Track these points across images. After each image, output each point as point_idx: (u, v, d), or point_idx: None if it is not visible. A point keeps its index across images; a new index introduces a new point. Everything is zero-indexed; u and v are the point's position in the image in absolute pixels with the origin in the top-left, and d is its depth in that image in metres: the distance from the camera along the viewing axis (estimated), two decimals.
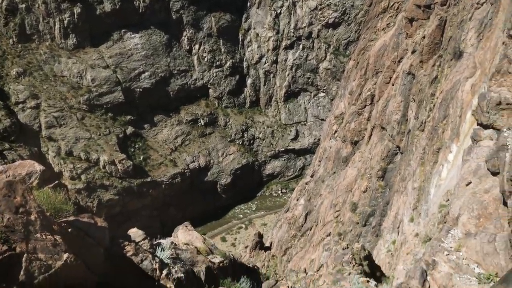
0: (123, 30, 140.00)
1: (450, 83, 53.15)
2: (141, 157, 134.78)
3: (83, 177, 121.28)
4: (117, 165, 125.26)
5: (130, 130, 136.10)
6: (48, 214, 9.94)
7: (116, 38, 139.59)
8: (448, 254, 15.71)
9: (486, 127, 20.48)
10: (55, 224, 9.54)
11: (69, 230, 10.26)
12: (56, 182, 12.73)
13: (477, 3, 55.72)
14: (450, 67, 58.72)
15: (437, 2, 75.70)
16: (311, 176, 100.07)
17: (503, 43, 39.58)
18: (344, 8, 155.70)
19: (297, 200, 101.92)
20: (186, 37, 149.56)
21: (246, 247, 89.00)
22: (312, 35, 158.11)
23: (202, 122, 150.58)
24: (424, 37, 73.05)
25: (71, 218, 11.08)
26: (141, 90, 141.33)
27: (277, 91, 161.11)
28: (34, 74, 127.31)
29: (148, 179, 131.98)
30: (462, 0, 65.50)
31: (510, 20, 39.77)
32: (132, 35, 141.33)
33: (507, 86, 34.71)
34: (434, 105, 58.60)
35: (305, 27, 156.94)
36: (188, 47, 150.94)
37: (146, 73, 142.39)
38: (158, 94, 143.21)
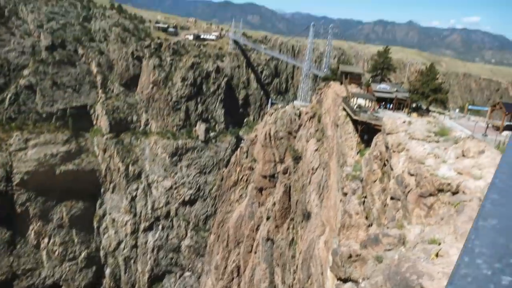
0: None
1: (306, 243, 55.85)
2: None
3: None
4: None
5: None
6: None
7: None
8: None
9: (345, 280, 20.86)
10: None
11: None
12: None
13: (312, 169, 63.16)
14: (302, 228, 62.56)
15: (279, 171, 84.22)
16: None
17: (340, 200, 44.06)
18: (198, 185, 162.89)
19: None
20: (33, 231, 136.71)
21: None
22: (171, 214, 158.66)
23: None
24: (274, 203, 78.56)
25: None
26: None
27: (139, 277, 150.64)
28: None
29: None
30: (300, 167, 73.86)
31: (341, 181, 45.23)
32: None
33: (353, 237, 37.42)
34: (297, 267, 59.93)
35: (162, 207, 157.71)
36: (35, 242, 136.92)
37: None
38: None
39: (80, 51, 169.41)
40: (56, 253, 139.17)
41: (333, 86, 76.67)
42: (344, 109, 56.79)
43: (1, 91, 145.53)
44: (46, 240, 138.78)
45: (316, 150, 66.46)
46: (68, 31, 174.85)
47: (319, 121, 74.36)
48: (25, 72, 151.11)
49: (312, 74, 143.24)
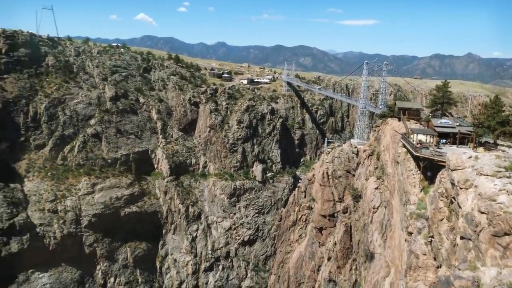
0: (30, 271, 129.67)
1: (371, 285, 54.07)
2: None
3: None
4: None
5: None
6: None
7: (22, 280, 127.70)
8: None
9: None
10: None
11: None
12: None
13: (373, 208, 61.85)
14: (366, 269, 60.72)
15: (339, 211, 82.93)
16: None
17: (405, 240, 42.75)
18: (256, 225, 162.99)
19: None
20: (100, 270, 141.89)
21: None
22: (230, 254, 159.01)
23: None
24: (335, 243, 77.01)
25: None
26: None
27: None
28: None
29: None
30: (360, 206, 72.48)
31: (405, 220, 44.04)
32: (41, 275, 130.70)
33: (421, 279, 36.05)
34: None
35: (222, 247, 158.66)
36: (102, 281, 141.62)
37: None
38: None
39: (141, 99, 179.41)
40: None
41: (390, 122, 75.79)
42: (404, 146, 55.88)
43: (70, 140, 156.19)
44: (112, 279, 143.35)
45: (377, 188, 65.20)
46: (130, 82, 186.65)
47: (378, 158, 73.25)
48: (92, 121, 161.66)
49: (368, 112, 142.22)
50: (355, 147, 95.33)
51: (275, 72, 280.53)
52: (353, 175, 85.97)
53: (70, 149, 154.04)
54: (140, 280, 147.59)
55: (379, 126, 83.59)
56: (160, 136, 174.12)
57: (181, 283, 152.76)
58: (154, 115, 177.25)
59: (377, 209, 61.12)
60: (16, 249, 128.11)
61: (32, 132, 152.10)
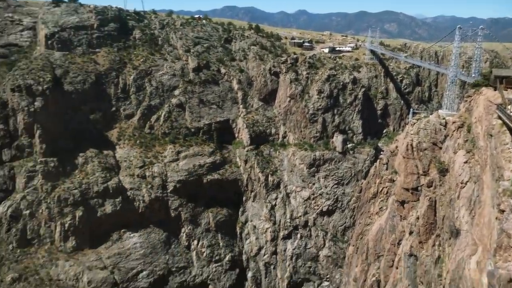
0: (122, 230, 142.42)
1: (455, 262, 51.96)
2: None
3: None
4: None
5: None
6: None
7: (115, 238, 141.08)
8: None
9: None
10: None
11: None
12: None
13: (461, 182, 58.57)
14: (450, 245, 58.26)
15: (423, 184, 79.61)
16: None
17: (496, 218, 40.22)
18: (336, 196, 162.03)
19: None
20: (184, 233, 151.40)
21: None
22: (309, 224, 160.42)
23: None
24: (418, 218, 74.44)
25: None
26: None
27: (279, 283, 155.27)
28: (29, 279, 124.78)
29: None
30: (446, 180, 69.04)
31: (497, 197, 41.29)
32: (131, 234, 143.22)
33: None
34: (443, 287, 56.02)
35: (300, 216, 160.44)
36: (186, 243, 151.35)
37: (144, 272, 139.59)
38: None
39: (223, 70, 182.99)
40: (204, 254, 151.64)
41: (485, 92, 70.31)
42: (500, 118, 51.79)
43: (157, 109, 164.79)
44: (195, 242, 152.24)
45: (466, 162, 61.48)
46: (212, 53, 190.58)
47: (468, 131, 68.68)
48: (176, 92, 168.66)
49: (460, 81, 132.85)
50: (443, 119, 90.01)
51: (358, 40, 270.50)
52: (440, 148, 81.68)
53: (157, 119, 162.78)
54: (221, 244, 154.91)
55: (471, 96, 77.99)
56: (241, 106, 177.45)
57: (260, 248, 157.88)
58: (235, 85, 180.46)
59: (466, 184, 57.84)
60: (109, 210, 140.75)
61: (122, 103, 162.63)
